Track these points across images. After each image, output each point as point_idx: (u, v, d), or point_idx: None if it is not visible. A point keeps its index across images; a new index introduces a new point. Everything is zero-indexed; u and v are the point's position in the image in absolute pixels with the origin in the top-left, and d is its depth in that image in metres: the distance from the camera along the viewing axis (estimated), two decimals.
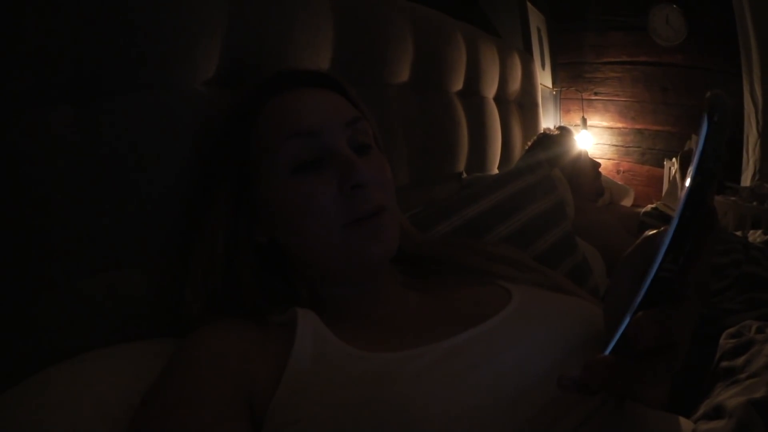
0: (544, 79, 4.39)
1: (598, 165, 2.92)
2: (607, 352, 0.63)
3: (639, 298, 0.61)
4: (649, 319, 0.59)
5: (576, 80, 4.97)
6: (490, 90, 2.87)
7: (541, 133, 2.97)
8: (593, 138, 4.82)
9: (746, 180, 4.06)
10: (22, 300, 0.94)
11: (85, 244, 1.01)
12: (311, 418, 0.74)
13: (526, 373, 0.79)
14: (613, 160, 4.94)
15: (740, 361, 1.04)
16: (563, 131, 2.93)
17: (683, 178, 2.22)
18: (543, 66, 4.49)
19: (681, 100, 4.53)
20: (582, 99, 4.84)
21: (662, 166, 4.38)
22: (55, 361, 0.94)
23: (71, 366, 0.94)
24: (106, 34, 1.00)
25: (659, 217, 2.52)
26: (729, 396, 0.92)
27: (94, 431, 0.84)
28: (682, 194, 0.59)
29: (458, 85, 2.50)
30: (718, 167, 0.57)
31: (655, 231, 0.73)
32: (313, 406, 0.75)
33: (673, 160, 4.01)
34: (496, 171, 2.85)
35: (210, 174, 1.09)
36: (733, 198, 3.52)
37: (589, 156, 3.00)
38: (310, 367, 0.82)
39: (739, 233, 2.89)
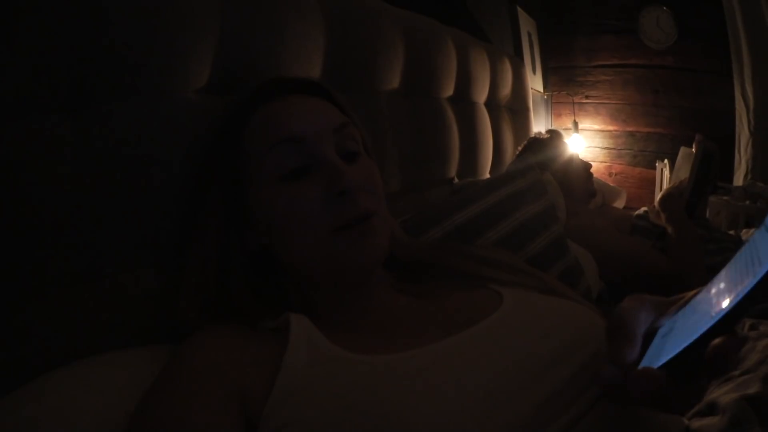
0: (535, 83, 4.40)
1: (589, 166, 2.92)
2: (657, 366, 0.62)
3: (713, 322, 0.59)
4: (735, 346, 0.57)
5: (567, 84, 4.98)
6: (481, 95, 2.88)
7: (531, 138, 2.98)
8: (585, 141, 4.84)
9: (738, 179, 4.08)
10: (25, 306, 0.95)
11: (83, 248, 1.01)
12: (305, 421, 0.75)
13: (518, 375, 0.80)
14: (605, 162, 4.95)
15: None
16: (553, 135, 2.94)
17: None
18: (534, 71, 4.50)
19: (672, 101, 4.54)
20: (573, 103, 4.85)
21: (654, 168, 4.39)
22: (62, 365, 0.95)
23: (66, 373, 0.94)
24: (100, 41, 1.01)
25: (651, 221, 2.53)
26: (722, 393, 0.93)
27: None
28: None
29: (449, 90, 2.50)
30: None
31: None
32: (306, 410, 0.76)
33: (665, 161, 4.02)
34: (487, 176, 2.85)
35: (202, 183, 1.09)
36: (725, 197, 3.53)
37: (580, 158, 3.01)
38: (303, 371, 0.83)
39: (732, 232, 2.91)
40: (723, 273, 0.63)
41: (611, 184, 4.23)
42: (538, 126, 4.20)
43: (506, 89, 3.24)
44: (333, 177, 0.98)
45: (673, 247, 2.22)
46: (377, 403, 0.74)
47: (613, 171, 4.94)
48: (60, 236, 0.97)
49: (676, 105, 4.53)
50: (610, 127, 4.89)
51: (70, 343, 0.99)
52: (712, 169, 2.33)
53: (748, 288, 0.55)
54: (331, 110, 1.11)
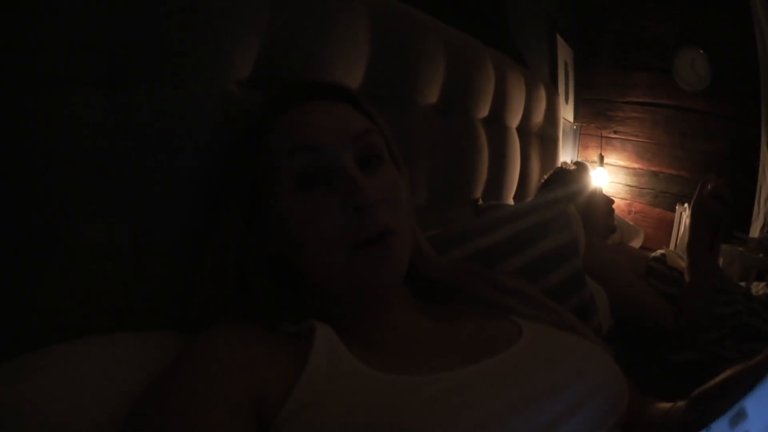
0: (566, 113, 4.40)
1: (612, 202, 2.92)
2: None
3: None
4: None
5: (597, 117, 5.00)
6: (514, 120, 2.88)
7: (558, 168, 2.97)
8: (609, 176, 4.84)
9: (755, 231, 4.07)
10: (32, 278, 0.95)
11: (98, 225, 1.01)
12: None
13: (533, 411, 0.80)
14: (626, 200, 4.95)
15: None
16: (580, 167, 2.93)
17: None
18: (567, 100, 4.51)
19: (698, 146, 4.55)
20: (601, 136, 4.86)
21: (674, 210, 4.39)
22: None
23: (67, 349, 0.93)
24: (148, 22, 1.01)
25: (667, 265, 2.52)
26: None
27: (90, 417, 0.83)
28: None
29: (484, 112, 2.51)
30: None
31: None
32: (324, 423, 0.75)
33: (685, 205, 4.02)
34: (511, 201, 2.87)
35: (225, 184, 1.08)
36: (740, 248, 3.53)
37: (603, 193, 3.01)
38: (324, 382, 0.82)
39: (743, 284, 2.90)
40: None
41: (630, 222, 4.23)
42: (565, 156, 4.20)
43: (539, 116, 3.24)
44: (349, 191, 0.95)
45: (685, 300, 2.19)
46: (397, 424, 0.73)
47: (633, 209, 4.94)
48: (76, 209, 0.97)
49: (702, 150, 4.53)
50: (635, 165, 4.89)
51: (74, 320, 0.99)
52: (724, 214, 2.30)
53: None
54: (354, 117, 1.08)
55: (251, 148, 1.06)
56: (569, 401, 0.84)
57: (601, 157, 4.69)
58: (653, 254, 2.63)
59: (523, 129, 3.03)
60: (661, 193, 4.80)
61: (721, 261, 3.31)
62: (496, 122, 2.66)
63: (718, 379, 0.88)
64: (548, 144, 3.52)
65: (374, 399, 0.78)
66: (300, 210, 0.98)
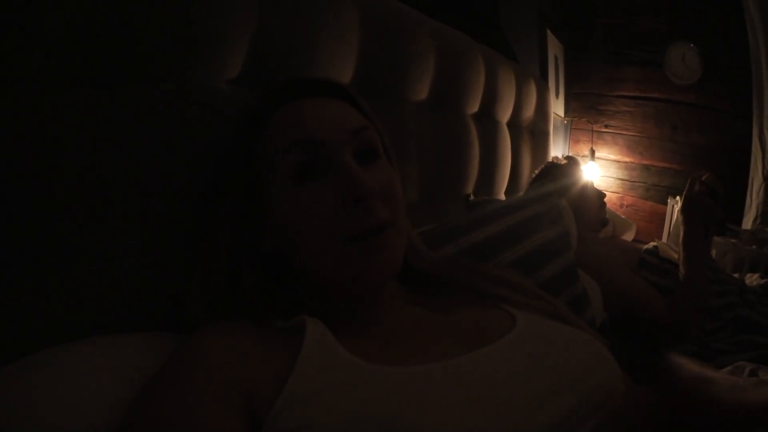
0: (556, 107, 4.41)
1: (603, 195, 2.92)
2: None
3: None
4: None
5: (588, 111, 5.00)
6: (505, 115, 2.88)
7: (549, 162, 2.97)
8: (600, 170, 4.85)
9: (747, 223, 4.09)
10: (29, 284, 0.93)
11: (92, 227, 0.99)
12: (314, 427, 0.74)
13: (527, 399, 0.80)
14: (618, 193, 4.96)
15: None
16: (571, 161, 2.93)
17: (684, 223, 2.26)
18: (557, 95, 4.52)
19: (690, 138, 4.56)
20: (592, 130, 4.87)
21: (665, 203, 4.40)
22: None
23: (70, 350, 0.92)
24: (135, 21, 1.00)
25: (659, 257, 2.52)
26: None
27: (88, 419, 0.83)
28: None
29: (474, 107, 2.51)
30: None
31: None
32: (317, 416, 0.75)
33: (677, 198, 4.02)
34: (502, 196, 2.87)
35: (218, 180, 1.08)
36: (733, 240, 3.53)
37: (595, 186, 3.01)
38: (316, 375, 0.81)
39: (736, 275, 2.91)
40: None
41: (622, 216, 4.24)
42: (556, 150, 4.21)
43: (529, 111, 3.25)
44: (349, 184, 0.95)
45: (679, 293, 2.19)
46: (391, 415, 0.73)
47: (625, 203, 4.95)
48: (72, 212, 0.96)
49: (694, 143, 4.54)
50: (626, 158, 4.90)
51: (75, 322, 0.98)
52: (716, 206, 2.31)
53: None
54: (351, 113, 1.07)
55: (246, 145, 1.05)
56: (562, 388, 0.84)
57: (593, 151, 4.69)
58: (645, 246, 2.64)
59: (514, 124, 3.03)
60: (653, 187, 4.81)
61: (714, 253, 3.32)
62: (486, 117, 2.66)
63: None
64: (539, 139, 3.52)
65: (367, 390, 0.78)
66: (297, 203, 0.97)
